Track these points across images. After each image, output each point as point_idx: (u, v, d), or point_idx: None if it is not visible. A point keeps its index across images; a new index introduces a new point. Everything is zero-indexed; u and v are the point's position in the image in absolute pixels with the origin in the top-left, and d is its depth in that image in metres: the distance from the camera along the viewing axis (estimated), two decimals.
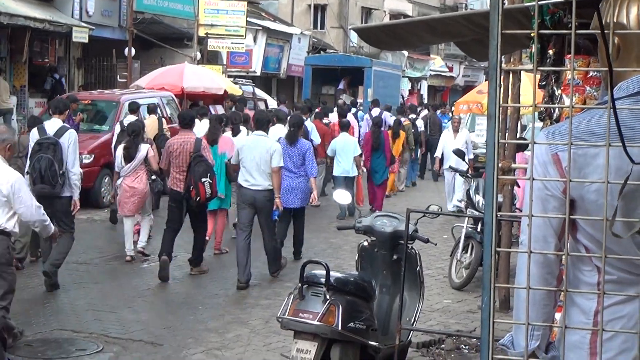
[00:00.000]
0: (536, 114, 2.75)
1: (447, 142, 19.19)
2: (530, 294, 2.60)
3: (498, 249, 2.56)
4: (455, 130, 19.58)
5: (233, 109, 20.69)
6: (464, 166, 16.49)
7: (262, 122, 12.13)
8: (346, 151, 17.39)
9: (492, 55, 2.49)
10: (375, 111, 26.20)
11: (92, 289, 11.17)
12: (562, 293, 3.08)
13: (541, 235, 2.88)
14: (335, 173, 17.75)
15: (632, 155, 2.46)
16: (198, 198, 11.71)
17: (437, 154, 20.14)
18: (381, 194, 18.89)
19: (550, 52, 6.87)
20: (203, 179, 11.70)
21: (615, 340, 2.79)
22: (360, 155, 17.74)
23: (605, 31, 2.58)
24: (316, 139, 18.34)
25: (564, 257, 2.93)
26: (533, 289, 2.72)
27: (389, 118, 24.77)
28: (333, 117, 22.64)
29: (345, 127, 18.10)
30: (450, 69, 51.66)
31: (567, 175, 2.64)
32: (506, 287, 7.84)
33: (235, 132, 14.89)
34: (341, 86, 35.84)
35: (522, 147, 14.05)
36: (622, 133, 2.38)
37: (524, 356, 2.55)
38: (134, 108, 17.14)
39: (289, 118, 14.51)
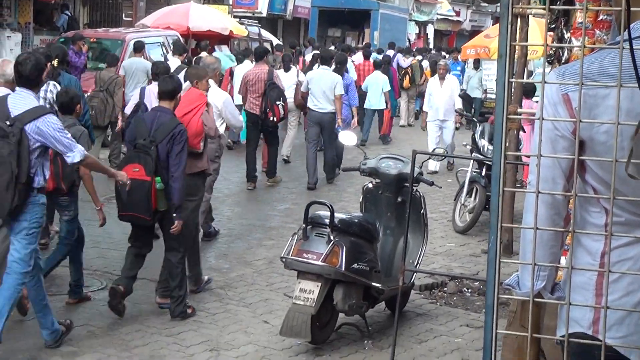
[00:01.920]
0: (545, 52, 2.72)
1: (433, 92, 17.20)
2: (537, 234, 2.59)
3: (505, 188, 2.54)
4: (442, 77, 17.28)
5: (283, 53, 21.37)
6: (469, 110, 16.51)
7: (326, 59, 15.43)
8: (377, 87, 19.88)
9: None
10: (390, 52, 27.15)
11: (96, 227, 11.14)
12: (569, 236, 3.07)
13: (550, 176, 2.86)
14: (366, 106, 20.01)
15: None
16: (273, 118, 13.93)
17: (425, 106, 18.36)
18: (388, 121, 21.34)
19: None
20: (277, 102, 13.87)
21: (621, 282, 2.79)
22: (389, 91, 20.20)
23: None
24: (353, 76, 20.20)
25: (571, 198, 2.92)
26: (540, 230, 2.71)
27: (402, 59, 25.90)
28: (357, 57, 23.90)
29: (378, 65, 20.90)
30: (457, 14, 51.14)
31: (577, 115, 2.61)
32: (513, 227, 7.80)
33: (287, 69, 16.93)
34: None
35: (528, 94, 14.04)
36: (638, 72, 2.34)
37: (530, 296, 2.54)
38: (138, 47, 16.99)
39: (334, 57, 16.20)
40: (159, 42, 19.59)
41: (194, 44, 23.01)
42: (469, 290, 9.20)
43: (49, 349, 7.04)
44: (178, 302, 7.89)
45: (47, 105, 9.00)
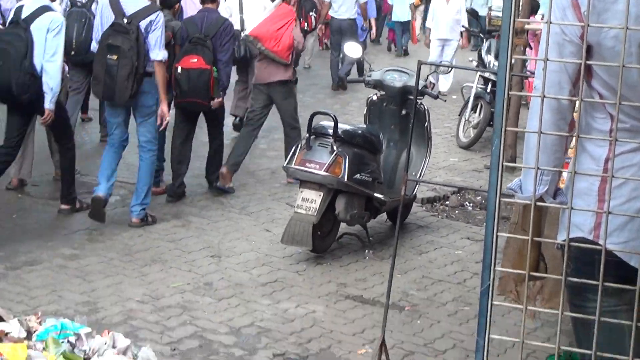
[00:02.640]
0: None
1: (437, 10, 16.29)
2: (541, 139, 2.57)
3: (511, 92, 2.52)
4: None
5: None
6: (475, 26, 16.28)
7: None
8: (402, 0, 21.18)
9: None
10: None
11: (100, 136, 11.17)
12: (573, 142, 3.06)
13: (556, 80, 2.83)
14: (393, 19, 21.36)
15: None
16: (306, 27, 14.02)
17: (428, 22, 16.99)
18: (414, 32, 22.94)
19: None
20: (310, 13, 14.35)
21: (624, 188, 2.78)
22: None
23: None
24: None
25: (577, 103, 2.89)
26: (544, 134, 2.70)
27: None
28: None
29: None
30: None
31: (585, 19, 2.58)
32: (518, 130, 7.79)
33: None
34: None
35: (535, 11, 13.89)
36: None
37: (532, 200, 2.54)
38: None
39: None
40: None
41: None
42: (471, 204, 9.23)
43: (51, 249, 7.10)
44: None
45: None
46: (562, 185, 3.09)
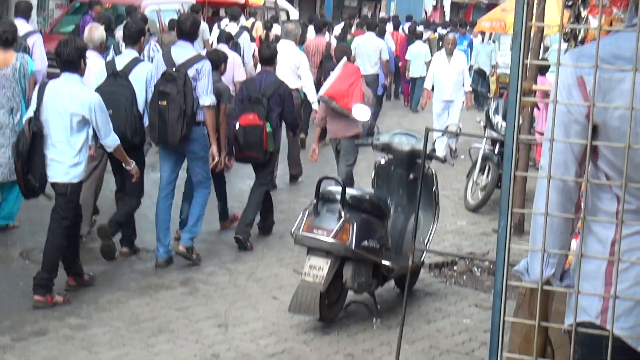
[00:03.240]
0: (561, 34, 2.67)
1: (439, 69, 15.62)
2: (547, 220, 2.54)
3: (517, 173, 2.49)
4: (449, 53, 15.64)
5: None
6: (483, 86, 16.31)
7: (372, 25, 19.09)
8: (420, 56, 21.57)
9: None
10: (407, 25, 27.54)
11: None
12: (579, 221, 3.01)
13: (562, 160, 2.80)
14: (411, 75, 21.92)
15: None
16: None
17: (427, 84, 16.24)
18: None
19: None
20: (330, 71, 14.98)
21: (632, 270, 2.74)
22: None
23: None
24: (392, 45, 22.27)
25: (583, 184, 2.86)
26: (551, 215, 2.66)
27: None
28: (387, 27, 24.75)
29: (419, 36, 23.37)
30: None
31: (591, 99, 2.56)
32: (524, 212, 7.75)
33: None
34: None
35: (543, 71, 13.90)
36: None
37: (539, 283, 2.50)
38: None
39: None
40: (175, 10, 19.44)
41: (210, 12, 22.87)
42: (479, 270, 9.17)
43: (57, 320, 7.05)
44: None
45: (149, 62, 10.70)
46: (568, 266, 3.05)
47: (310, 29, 17.67)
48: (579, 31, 6.52)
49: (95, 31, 9.44)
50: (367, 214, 7.43)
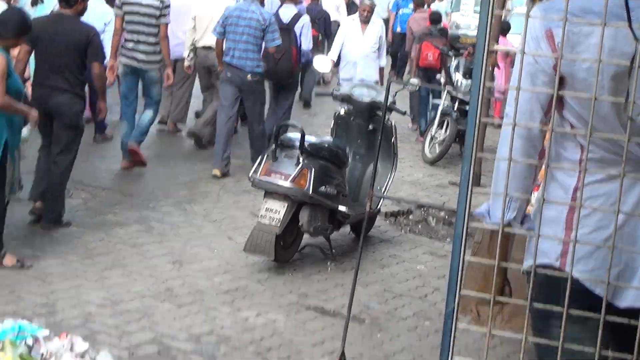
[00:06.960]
0: None
1: (349, 38, 12.42)
2: (511, 166, 2.60)
3: (483, 119, 2.55)
4: (365, 21, 12.39)
5: None
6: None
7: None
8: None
9: None
10: None
11: None
12: (541, 173, 3.09)
13: (528, 109, 2.87)
14: None
15: (629, 37, 2.43)
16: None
17: (332, 54, 12.58)
18: None
19: None
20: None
21: (592, 217, 2.82)
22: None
23: None
24: None
25: (547, 133, 2.93)
26: (514, 161, 2.73)
27: None
28: None
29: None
30: None
31: (559, 50, 2.61)
32: (487, 156, 7.81)
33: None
34: None
35: (504, 31, 14.00)
36: (629, 9, 2.33)
37: (500, 226, 2.57)
38: None
39: None
40: None
41: None
42: (434, 219, 9.29)
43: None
44: None
45: None
46: (530, 211, 3.13)
47: None
48: None
49: None
50: (325, 160, 7.49)
